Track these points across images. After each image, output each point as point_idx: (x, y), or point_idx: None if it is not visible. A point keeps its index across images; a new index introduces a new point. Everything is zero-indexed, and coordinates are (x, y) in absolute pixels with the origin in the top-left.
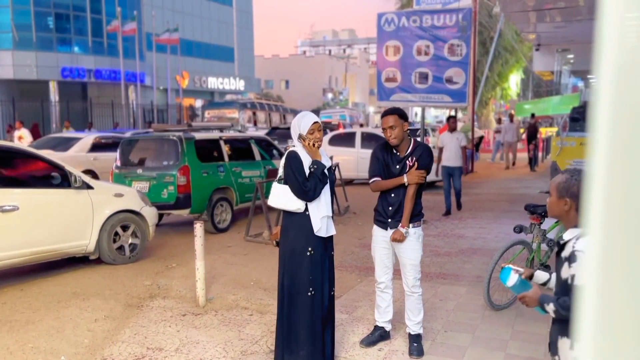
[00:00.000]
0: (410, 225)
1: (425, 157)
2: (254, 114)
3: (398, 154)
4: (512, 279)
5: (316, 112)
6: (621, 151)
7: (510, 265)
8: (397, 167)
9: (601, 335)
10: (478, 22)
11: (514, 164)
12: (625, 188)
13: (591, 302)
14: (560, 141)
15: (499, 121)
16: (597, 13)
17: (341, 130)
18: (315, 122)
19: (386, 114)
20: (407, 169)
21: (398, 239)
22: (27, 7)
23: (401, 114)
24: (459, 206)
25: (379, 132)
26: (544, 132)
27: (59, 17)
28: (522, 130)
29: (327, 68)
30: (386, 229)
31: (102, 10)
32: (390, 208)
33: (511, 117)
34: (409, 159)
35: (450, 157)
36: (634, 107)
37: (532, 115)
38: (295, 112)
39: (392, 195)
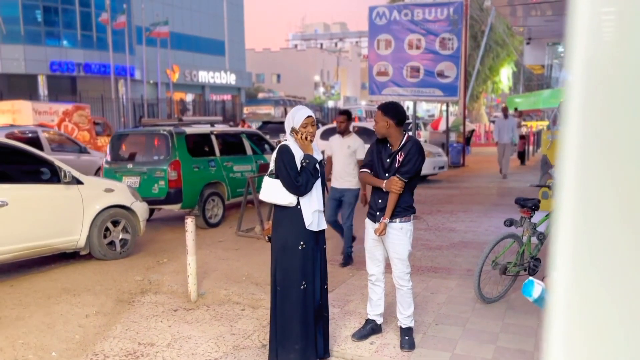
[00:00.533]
0: (397, 219)
1: (412, 153)
2: (285, 109)
3: (390, 148)
4: (537, 290)
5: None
6: (593, 147)
7: (532, 278)
8: (388, 160)
9: (572, 333)
10: (469, 16)
11: (504, 176)
12: (596, 184)
13: (562, 298)
14: (550, 135)
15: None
16: (570, 7)
17: (333, 124)
18: (309, 116)
19: (377, 108)
20: (397, 164)
21: (378, 230)
22: (15, 0)
23: (385, 111)
24: (346, 258)
25: (370, 125)
26: (535, 125)
27: (47, 10)
28: (526, 124)
29: (318, 62)
30: (375, 222)
31: (91, 3)
32: (380, 201)
33: (505, 111)
34: (399, 153)
35: (337, 174)
36: (609, 101)
37: (515, 109)
38: (315, 108)
39: (383, 189)
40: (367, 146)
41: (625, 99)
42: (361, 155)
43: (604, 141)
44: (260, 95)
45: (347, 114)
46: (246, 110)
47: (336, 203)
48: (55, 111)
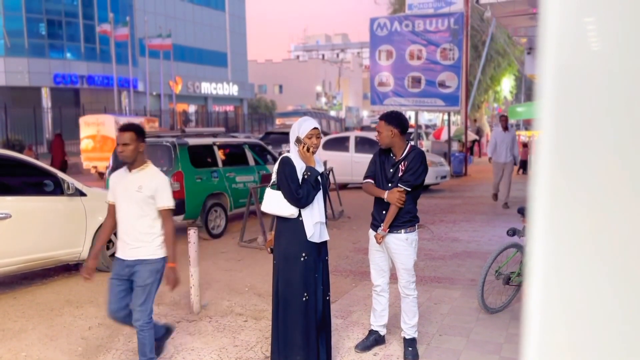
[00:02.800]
0: (402, 230)
1: (415, 162)
2: None
3: (394, 157)
4: None
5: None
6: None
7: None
8: (391, 170)
9: (546, 334)
10: (470, 26)
11: (506, 204)
12: (568, 191)
13: (537, 301)
14: None
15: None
16: (545, 17)
17: (335, 135)
18: (315, 128)
19: (379, 118)
20: (400, 173)
21: (376, 239)
22: (19, 14)
23: (389, 120)
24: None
25: (372, 136)
26: (537, 134)
27: (51, 23)
28: (527, 133)
29: (320, 72)
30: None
31: (94, 16)
32: (383, 212)
33: (504, 121)
34: (402, 163)
35: (125, 234)
36: (597, 109)
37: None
38: (335, 119)
39: (385, 200)
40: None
41: (595, 108)
42: (164, 201)
43: (576, 145)
44: (290, 108)
45: (135, 131)
46: (278, 121)
47: (125, 285)
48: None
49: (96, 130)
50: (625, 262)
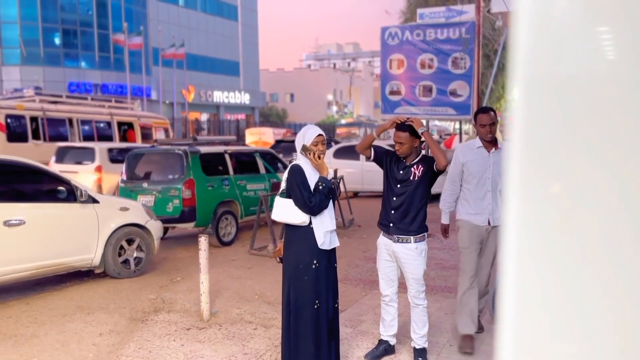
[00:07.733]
0: (412, 239)
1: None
2: (365, 129)
3: (404, 161)
4: None
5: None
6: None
7: None
8: (401, 172)
9: (520, 330)
10: (482, 35)
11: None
12: (540, 190)
13: (510, 299)
14: None
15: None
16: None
17: (346, 143)
18: (319, 135)
19: (399, 129)
20: (412, 176)
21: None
22: (35, 23)
23: (413, 132)
24: None
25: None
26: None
27: (66, 32)
28: None
29: (331, 81)
30: (389, 234)
31: (108, 26)
32: (392, 212)
33: (486, 123)
34: (414, 166)
35: None
36: (605, 116)
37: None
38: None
39: (394, 199)
40: None
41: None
42: None
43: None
44: (348, 120)
45: None
46: (338, 130)
47: None
48: (280, 133)
49: (258, 138)
50: (595, 260)
